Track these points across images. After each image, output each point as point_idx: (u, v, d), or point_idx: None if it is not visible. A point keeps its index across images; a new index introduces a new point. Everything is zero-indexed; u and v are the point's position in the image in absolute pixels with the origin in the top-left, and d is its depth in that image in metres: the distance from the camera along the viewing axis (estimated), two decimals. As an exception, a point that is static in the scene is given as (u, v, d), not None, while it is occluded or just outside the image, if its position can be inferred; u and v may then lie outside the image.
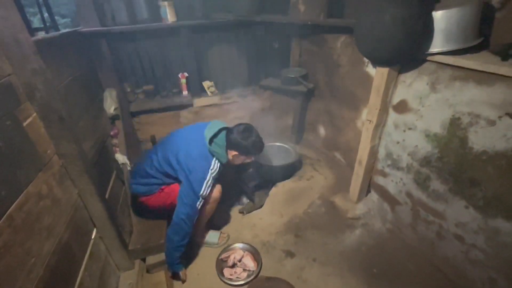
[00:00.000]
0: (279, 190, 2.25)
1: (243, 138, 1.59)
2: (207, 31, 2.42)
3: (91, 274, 1.30)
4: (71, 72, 1.62)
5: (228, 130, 1.67)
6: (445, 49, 1.31)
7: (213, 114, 2.72)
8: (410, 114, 1.54)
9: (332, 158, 2.53)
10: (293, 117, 2.70)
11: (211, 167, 1.56)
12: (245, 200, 2.34)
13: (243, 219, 2.15)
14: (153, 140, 2.52)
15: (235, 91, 2.73)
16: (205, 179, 1.53)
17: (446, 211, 1.46)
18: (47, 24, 3.14)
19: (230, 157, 1.64)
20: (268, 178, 2.33)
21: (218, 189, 1.71)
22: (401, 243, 1.82)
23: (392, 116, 1.66)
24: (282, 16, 2.40)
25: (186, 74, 2.48)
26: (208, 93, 2.64)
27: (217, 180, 1.64)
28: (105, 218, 1.44)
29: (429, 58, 1.38)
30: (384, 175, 1.84)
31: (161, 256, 1.73)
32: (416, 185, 1.61)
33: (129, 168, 2.05)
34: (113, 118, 2.13)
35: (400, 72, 1.55)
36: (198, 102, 2.60)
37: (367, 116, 1.74)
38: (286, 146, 2.43)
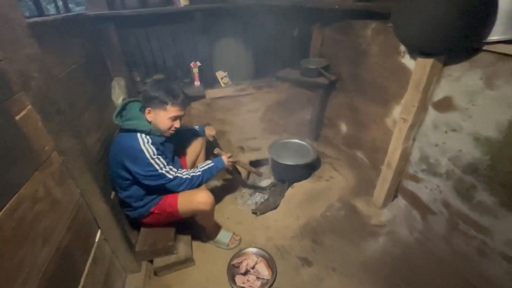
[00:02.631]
0: (295, 191, 2.09)
1: (152, 88, 1.38)
2: (223, 16, 2.23)
3: (95, 279, 1.21)
4: (75, 59, 1.49)
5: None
6: (509, 36, 1.09)
7: (226, 106, 2.56)
8: (455, 114, 1.33)
9: (353, 157, 2.34)
10: (311, 112, 2.51)
11: (141, 143, 1.33)
12: (258, 199, 2.21)
13: (256, 220, 2.02)
14: (163, 133, 2.39)
15: (249, 82, 2.55)
16: (147, 159, 1.32)
17: (494, 227, 1.27)
18: (61, 12, 3.03)
19: (149, 119, 1.41)
20: (284, 178, 2.18)
21: (202, 194, 1.49)
22: (430, 255, 1.64)
23: (432, 114, 1.46)
24: (306, 0, 2.18)
25: (198, 63, 2.32)
26: (222, 84, 2.48)
27: (163, 151, 1.43)
28: (110, 218, 1.33)
29: (485, 47, 1.16)
30: (417, 180, 1.65)
31: (170, 258, 1.63)
32: (457, 194, 1.41)
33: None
34: (122, 109, 2.01)
35: (446, 63, 1.33)
36: (211, 93, 2.44)
37: (401, 114, 1.54)
38: (304, 143, 2.26)
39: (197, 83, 2.38)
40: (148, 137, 1.37)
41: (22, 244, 0.82)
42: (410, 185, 1.72)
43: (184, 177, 1.43)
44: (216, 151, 1.86)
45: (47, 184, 0.99)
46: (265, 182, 2.38)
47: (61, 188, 1.06)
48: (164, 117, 1.40)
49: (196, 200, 1.49)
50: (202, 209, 1.51)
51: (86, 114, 1.48)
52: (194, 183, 1.46)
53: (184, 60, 2.34)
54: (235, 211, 2.11)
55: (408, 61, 1.56)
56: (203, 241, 1.82)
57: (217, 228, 1.83)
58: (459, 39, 1.12)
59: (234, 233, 1.85)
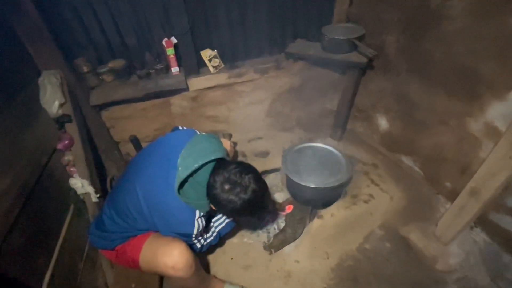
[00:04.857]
0: (324, 223, 1.53)
1: (222, 192, 0.97)
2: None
3: None
4: None
5: (217, 164, 1.01)
6: None
7: (218, 98, 1.88)
8: None
9: (397, 164, 1.74)
10: (338, 101, 1.84)
11: (196, 216, 1.03)
12: (271, 227, 1.64)
13: (270, 261, 1.48)
14: (134, 142, 1.74)
15: (250, 64, 1.84)
16: (192, 234, 1.05)
17: None
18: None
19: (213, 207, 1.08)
20: (306, 201, 1.59)
21: (174, 253, 1.01)
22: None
23: None
24: None
25: (174, 40, 1.59)
26: (210, 68, 1.76)
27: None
28: None
29: None
30: (521, 218, 1.07)
31: None
32: None
33: (94, 199, 1.33)
34: (62, 121, 1.34)
35: None
36: (196, 83, 1.74)
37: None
38: (331, 149, 1.62)
39: (174, 69, 1.66)
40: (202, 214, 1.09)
41: None
42: (502, 220, 1.15)
43: (204, 244, 1.19)
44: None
45: None
46: (277, 197, 1.81)
47: None
48: None
49: (162, 260, 1.00)
50: (170, 275, 1.02)
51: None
52: (211, 244, 1.22)
53: (152, 36, 1.60)
54: (241, 247, 1.56)
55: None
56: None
57: (218, 283, 1.30)
58: None
59: (242, 287, 1.32)
